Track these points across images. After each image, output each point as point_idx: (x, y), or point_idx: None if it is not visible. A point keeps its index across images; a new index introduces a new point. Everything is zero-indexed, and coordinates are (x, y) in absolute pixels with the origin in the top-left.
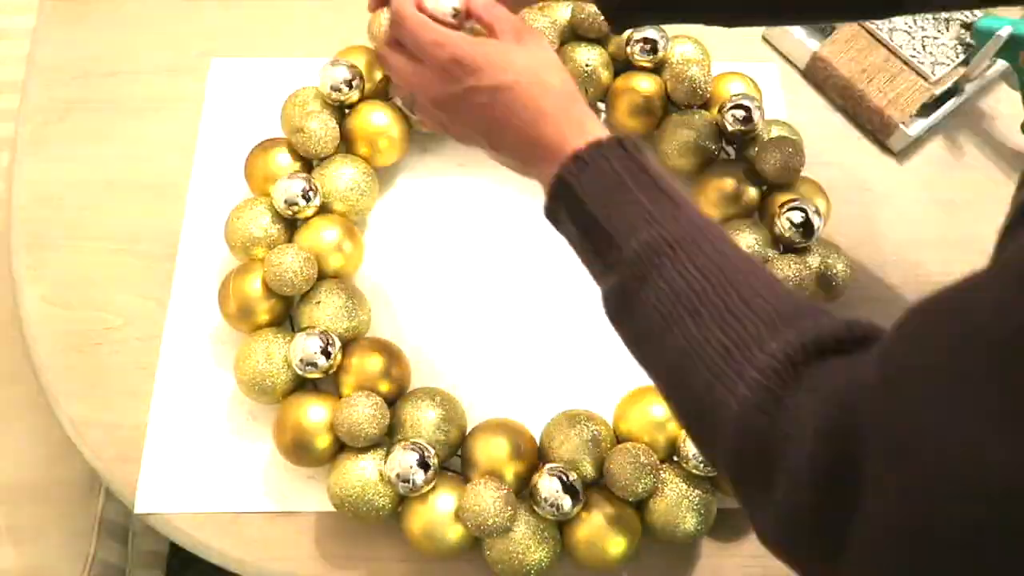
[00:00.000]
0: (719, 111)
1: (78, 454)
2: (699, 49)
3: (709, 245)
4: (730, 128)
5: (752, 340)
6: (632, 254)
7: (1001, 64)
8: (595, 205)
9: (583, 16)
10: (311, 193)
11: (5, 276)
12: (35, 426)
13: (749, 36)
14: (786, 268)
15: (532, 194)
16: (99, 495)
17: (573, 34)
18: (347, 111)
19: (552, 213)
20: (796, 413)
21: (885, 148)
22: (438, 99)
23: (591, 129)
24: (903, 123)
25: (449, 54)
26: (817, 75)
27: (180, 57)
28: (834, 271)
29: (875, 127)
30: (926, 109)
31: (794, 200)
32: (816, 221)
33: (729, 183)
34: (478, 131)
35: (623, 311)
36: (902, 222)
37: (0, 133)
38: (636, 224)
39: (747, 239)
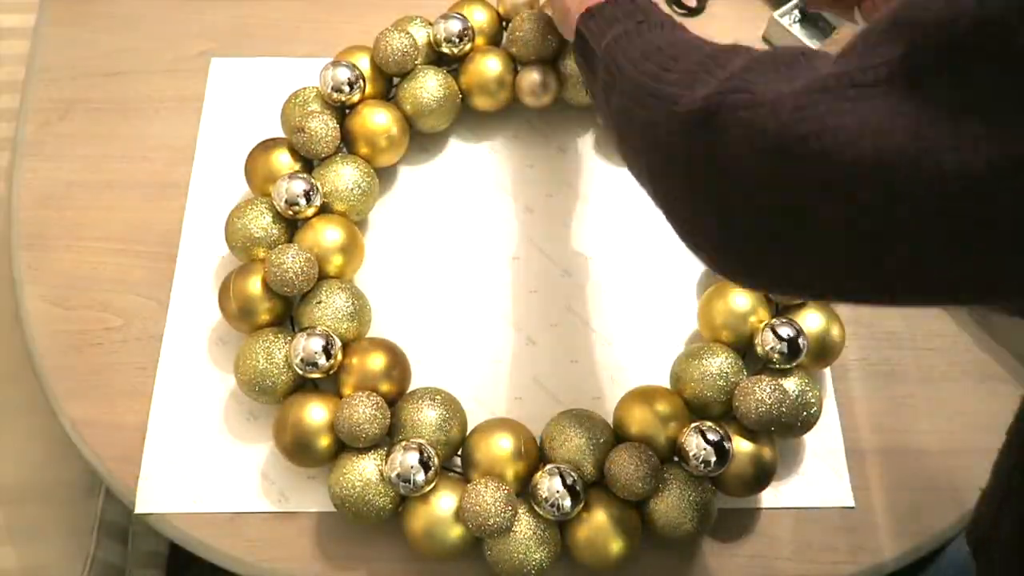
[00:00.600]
0: None
1: (78, 454)
2: None
3: (661, 29)
4: None
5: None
6: (603, 53)
7: None
8: (594, 40)
9: None
10: (312, 193)
11: (5, 276)
12: (35, 426)
13: (749, 37)
14: None
15: (532, 195)
16: (99, 495)
17: None
18: (347, 111)
19: (576, 58)
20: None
21: None
22: None
23: None
24: None
25: None
26: None
27: (180, 57)
28: None
29: None
30: None
31: None
32: None
33: None
34: None
35: (603, 106)
36: None
37: (0, 133)
38: (608, 29)
39: None
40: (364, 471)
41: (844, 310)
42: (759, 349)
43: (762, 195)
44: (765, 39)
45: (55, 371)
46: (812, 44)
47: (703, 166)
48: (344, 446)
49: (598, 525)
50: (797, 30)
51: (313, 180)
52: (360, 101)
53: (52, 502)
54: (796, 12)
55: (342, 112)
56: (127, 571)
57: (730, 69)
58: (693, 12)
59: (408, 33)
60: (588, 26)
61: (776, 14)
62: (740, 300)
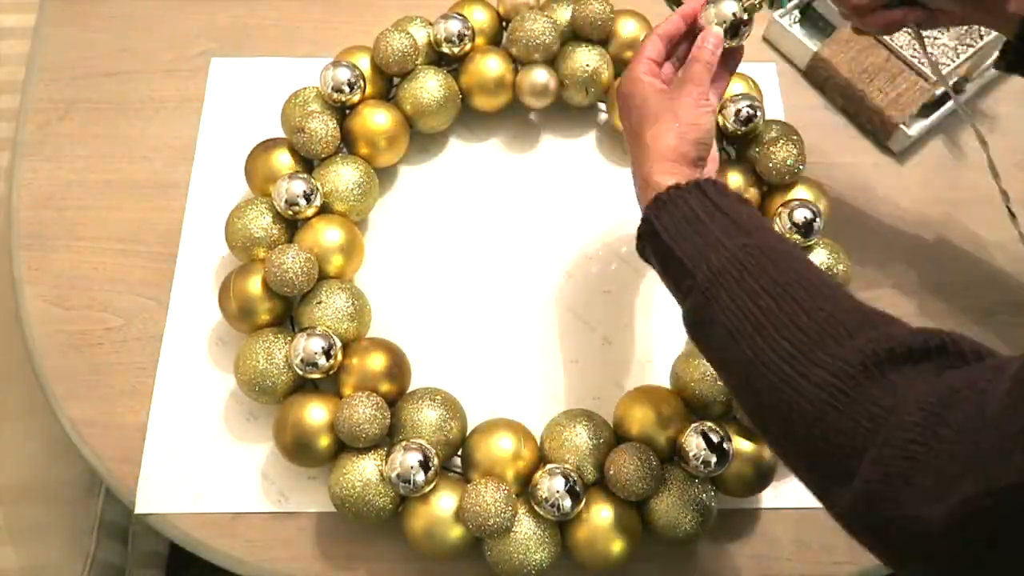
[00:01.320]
0: (719, 111)
1: (78, 454)
2: None
3: (776, 266)
4: (730, 128)
5: (816, 347)
6: (703, 278)
7: None
8: (671, 239)
9: (583, 16)
10: (312, 193)
11: (5, 276)
12: (35, 426)
13: (748, 36)
14: None
15: (532, 195)
16: (99, 495)
17: (573, 34)
18: (347, 111)
19: (640, 250)
20: (877, 406)
21: (885, 148)
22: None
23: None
24: (903, 123)
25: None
26: (818, 75)
27: (180, 57)
28: (835, 271)
29: (875, 127)
30: (926, 109)
31: (794, 200)
32: (816, 221)
33: (730, 183)
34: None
35: (698, 330)
36: (902, 222)
37: (0, 133)
38: (706, 252)
39: None
40: (364, 471)
41: None
42: None
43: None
44: (765, 39)
45: (55, 371)
46: (812, 45)
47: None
48: (344, 446)
49: (598, 525)
50: (797, 30)
51: (313, 180)
52: (360, 101)
53: (52, 502)
54: (796, 12)
55: (342, 112)
56: (127, 571)
57: (881, 442)
58: None
59: (408, 33)
60: (661, 221)
61: (776, 14)
62: None
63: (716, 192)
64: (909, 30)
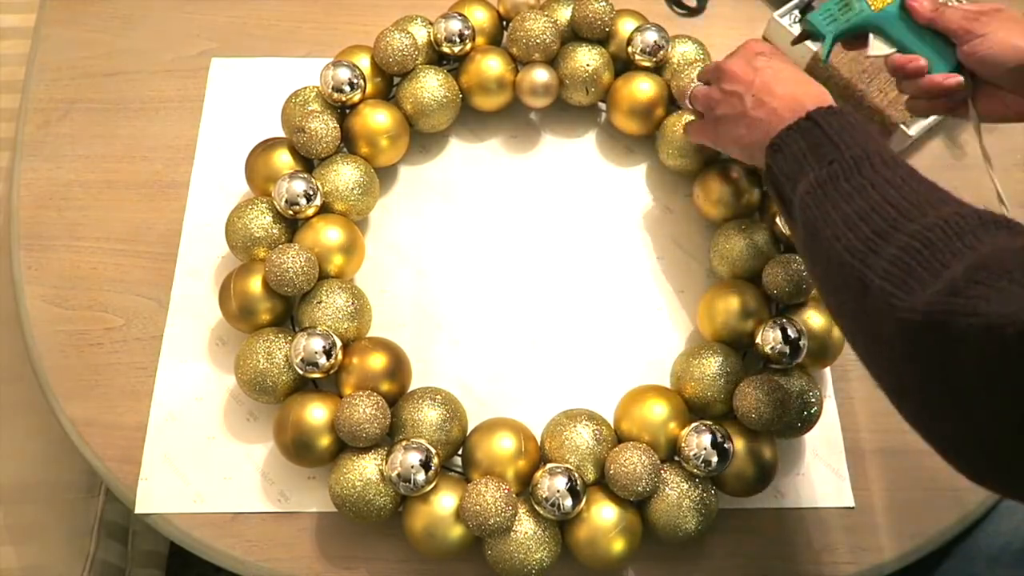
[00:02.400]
0: None
1: (78, 454)
2: (700, 49)
3: (856, 174)
4: None
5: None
6: (797, 204)
7: None
8: (835, 133)
9: (584, 16)
10: (312, 193)
11: (5, 276)
12: (35, 426)
13: (749, 36)
14: (786, 266)
15: (532, 195)
16: (99, 495)
17: (574, 34)
18: (348, 111)
19: (782, 138)
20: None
21: None
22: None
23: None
24: (903, 123)
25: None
26: (817, 75)
27: (180, 57)
28: None
29: (875, 127)
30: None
31: None
32: None
33: (730, 183)
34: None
35: (805, 262)
36: None
37: (0, 133)
38: (800, 177)
39: (748, 238)
40: (364, 471)
41: None
42: (760, 349)
43: (1007, 402)
44: (765, 39)
45: (55, 371)
46: (812, 45)
47: (935, 375)
48: (344, 446)
49: (598, 525)
50: (797, 30)
51: (313, 180)
52: (360, 101)
53: (52, 502)
54: (796, 12)
55: (342, 112)
56: (127, 571)
57: (952, 273)
58: (693, 12)
59: (408, 33)
60: (777, 164)
61: (776, 14)
62: (740, 300)
63: (832, 115)
64: (970, 120)
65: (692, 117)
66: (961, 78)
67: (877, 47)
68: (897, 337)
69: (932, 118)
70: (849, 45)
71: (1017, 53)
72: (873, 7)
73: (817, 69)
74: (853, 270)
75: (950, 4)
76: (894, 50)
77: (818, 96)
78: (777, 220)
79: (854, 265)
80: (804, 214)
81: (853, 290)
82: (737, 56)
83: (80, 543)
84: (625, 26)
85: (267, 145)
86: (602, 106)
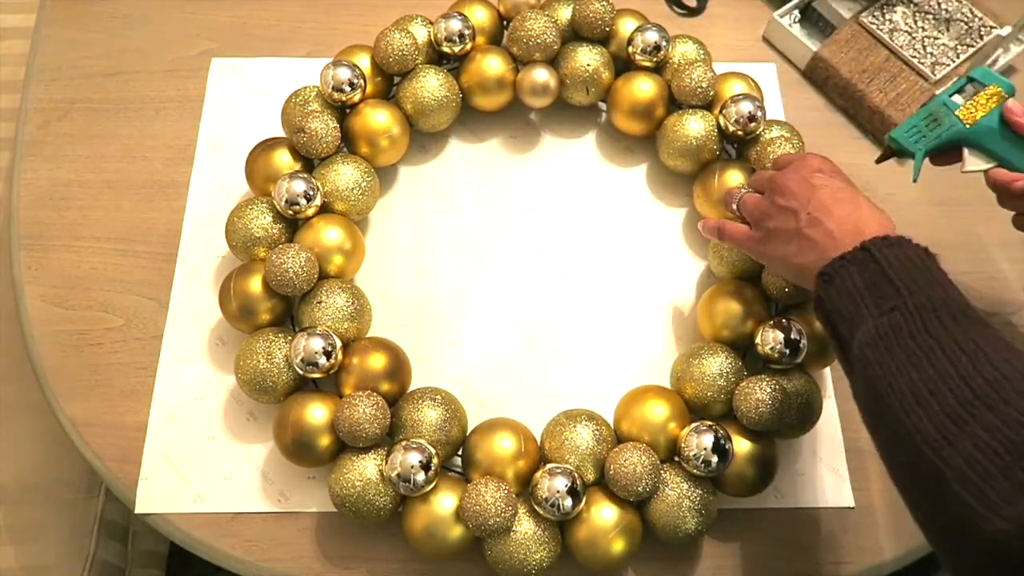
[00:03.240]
0: (720, 111)
1: (78, 454)
2: (700, 49)
3: (923, 333)
4: (731, 129)
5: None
6: (855, 350)
7: (1004, 63)
8: (892, 270)
9: (584, 16)
10: (312, 193)
11: (5, 276)
12: (35, 426)
13: (749, 37)
14: None
15: (532, 194)
16: (99, 495)
17: (574, 34)
18: (348, 111)
19: (836, 269)
20: None
21: None
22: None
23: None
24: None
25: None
26: (817, 75)
27: (180, 57)
28: None
29: (875, 127)
30: None
31: None
32: None
33: (730, 183)
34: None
35: (860, 407)
36: (902, 222)
37: (0, 133)
38: (857, 319)
39: None
40: (364, 471)
41: None
42: (759, 349)
43: None
44: (765, 39)
45: (55, 371)
46: (812, 45)
47: None
48: (344, 446)
49: (598, 525)
50: (797, 30)
51: (313, 180)
52: (361, 100)
53: (52, 502)
54: (796, 12)
55: (343, 112)
56: (127, 571)
57: None
58: (693, 12)
59: (409, 32)
60: (830, 297)
61: (776, 14)
62: (740, 300)
63: (931, 255)
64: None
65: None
66: None
67: (973, 162)
68: (978, 550)
69: None
70: (939, 161)
71: None
72: (966, 121)
73: (818, 68)
74: (925, 459)
75: None
76: (993, 164)
77: (880, 222)
78: None
79: (926, 454)
80: (865, 371)
81: (926, 480)
82: (794, 169)
83: (80, 543)
84: (625, 26)
85: (267, 145)
86: (602, 106)
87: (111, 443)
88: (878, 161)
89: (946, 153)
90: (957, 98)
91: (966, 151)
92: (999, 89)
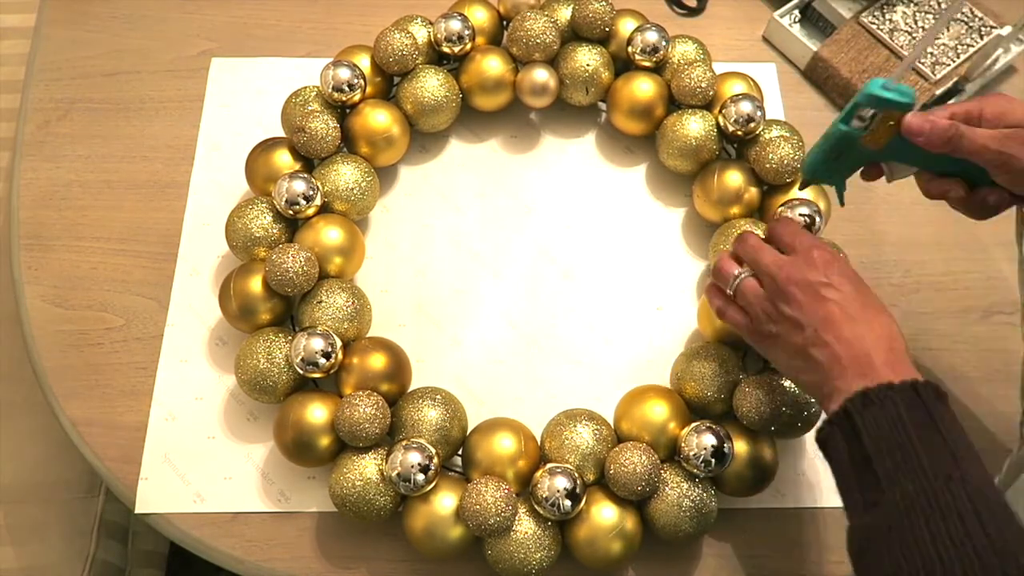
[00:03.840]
0: (719, 111)
1: (78, 454)
2: (700, 49)
3: (972, 518)
4: (731, 128)
5: None
6: (891, 501)
7: (1004, 63)
8: (872, 443)
9: (584, 16)
10: (312, 193)
11: (5, 276)
12: (35, 426)
13: (749, 36)
14: None
15: (532, 194)
16: (99, 495)
17: (574, 34)
18: (348, 111)
19: (826, 437)
20: None
21: None
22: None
23: (888, 366)
24: None
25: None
26: (817, 75)
27: (180, 57)
28: None
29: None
30: (927, 109)
31: (794, 199)
32: (816, 220)
33: (730, 183)
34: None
35: (866, 552)
36: (902, 223)
37: (0, 133)
38: (905, 473)
39: None
40: (364, 470)
41: None
42: None
43: None
44: (765, 39)
45: (55, 371)
46: (812, 44)
47: None
48: (344, 446)
49: (598, 525)
50: (797, 30)
51: (313, 180)
52: (361, 100)
53: (52, 502)
54: (796, 12)
55: (343, 112)
56: (127, 571)
57: None
58: (693, 12)
59: (409, 32)
60: (836, 448)
61: (776, 14)
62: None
63: (932, 399)
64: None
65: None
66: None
67: (897, 172)
68: None
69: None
70: (866, 175)
71: None
72: (873, 147)
73: (818, 68)
74: None
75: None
76: (915, 168)
77: (888, 346)
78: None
79: None
80: (900, 518)
81: None
82: (799, 270)
83: (80, 543)
84: (625, 26)
85: (267, 145)
86: (602, 106)
87: (111, 443)
88: (800, 188)
89: (870, 169)
90: (856, 123)
91: (884, 166)
92: (896, 114)
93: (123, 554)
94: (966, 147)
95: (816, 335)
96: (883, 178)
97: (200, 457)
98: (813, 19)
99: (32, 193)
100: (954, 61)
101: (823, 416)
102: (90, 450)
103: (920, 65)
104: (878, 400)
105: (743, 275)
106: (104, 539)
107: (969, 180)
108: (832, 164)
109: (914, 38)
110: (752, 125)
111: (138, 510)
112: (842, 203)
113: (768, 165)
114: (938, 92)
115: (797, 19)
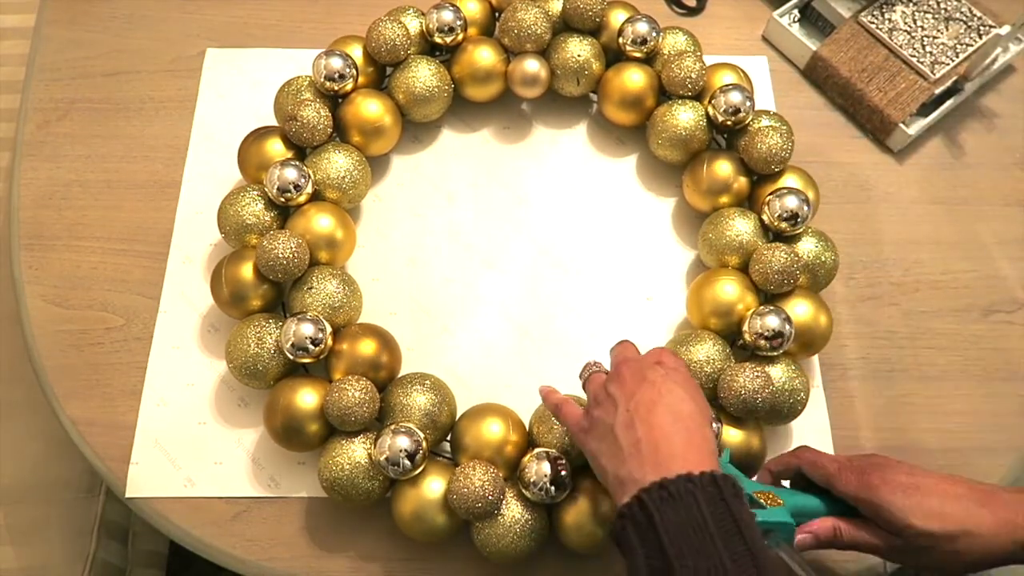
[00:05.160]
0: (709, 102)
1: (78, 454)
2: (691, 41)
3: None
4: (720, 119)
5: None
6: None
7: (1003, 63)
8: (668, 537)
9: (575, 7)
10: (304, 181)
11: (5, 276)
12: (35, 426)
13: (748, 36)
14: (775, 256)
15: (523, 185)
16: (99, 495)
17: (565, 25)
18: (340, 100)
19: (619, 531)
20: None
21: (885, 147)
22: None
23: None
24: (902, 122)
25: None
26: (817, 74)
27: (180, 57)
28: (823, 260)
29: (875, 126)
30: (925, 108)
31: (782, 188)
32: (803, 209)
33: (719, 173)
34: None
35: None
36: (902, 222)
37: (0, 133)
38: (700, 566)
39: (736, 228)
40: (353, 455)
41: (845, 310)
42: (746, 336)
43: None
44: (764, 38)
45: (55, 371)
46: (811, 44)
47: None
48: (334, 431)
49: (586, 509)
50: (796, 29)
51: (305, 168)
52: (353, 90)
53: (52, 502)
54: (795, 11)
55: (335, 101)
56: (127, 571)
57: None
58: (693, 12)
59: (401, 23)
60: (663, 515)
61: (775, 13)
62: (728, 288)
63: (731, 493)
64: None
65: None
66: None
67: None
68: None
69: (931, 116)
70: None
71: (944, 522)
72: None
73: (817, 67)
74: None
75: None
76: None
77: (699, 443)
78: (765, 209)
79: None
80: None
81: None
82: (639, 359)
83: (80, 543)
84: (616, 17)
85: (260, 133)
86: (593, 97)
87: (111, 442)
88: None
89: None
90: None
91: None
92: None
93: (123, 554)
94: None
95: (627, 416)
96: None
97: (191, 442)
98: (812, 19)
99: (32, 193)
100: (953, 60)
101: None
102: (90, 450)
103: (919, 64)
104: (679, 494)
105: (597, 369)
106: (104, 539)
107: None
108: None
109: (913, 37)
110: (741, 115)
111: (128, 494)
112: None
113: (757, 155)
114: (937, 91)
115: (796, 19)
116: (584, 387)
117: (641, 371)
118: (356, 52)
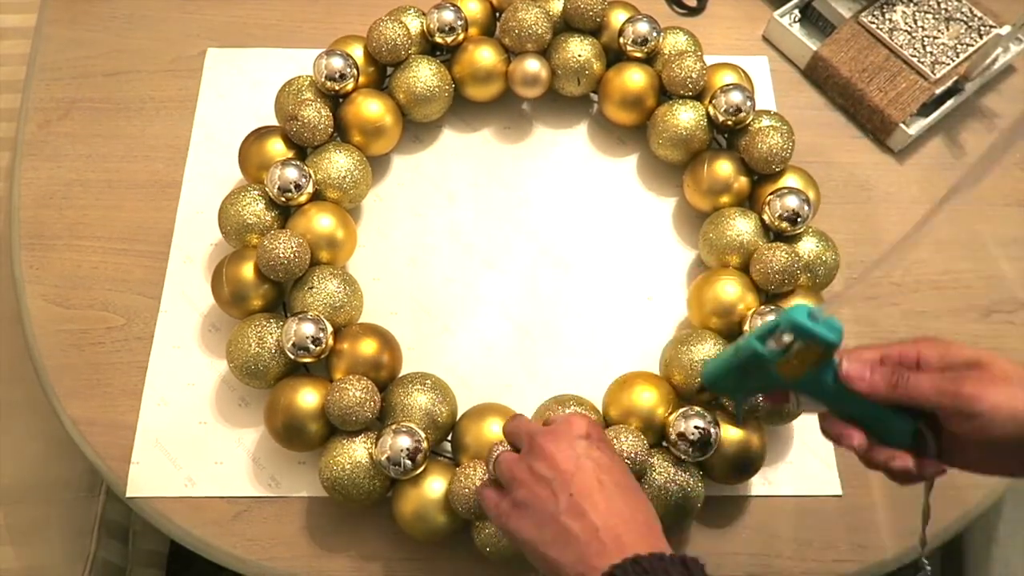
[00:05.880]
0: (710, 101)
1: (78, 454)
2: (691, 41)
3: None
4: (721, 119)
5: None
6: None
7: (1004, 63)
8: None
9: (576, 7)
10: (304, 181)
11: (5, 276)
12: (35, 426)
13: (749, 36)
14: (776, 256)
15: (524, 185)
16: (99, 495)
17: (566, 25)
18: (341, 100)
19: None
20: None
21: (885, 147)
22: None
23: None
24: (903, 122)
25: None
26: (817, 74)
27: (180, 57)
28: (823, 260)
29: (875, 126)
30: (926, 108)
31: (783, 188)
32: (804, 209)
33: (720, 172)
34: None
35: None
36: (902, 222)
37: (0, 133)
38: None
39: (736, 228)
40: (354, 454)
41: (846, 309)
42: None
43: None
44: (765, 38)
45: (56, 370)
46: (811, 44)
47: None
48: (335, 430)
49: None
50: (797, 30)
51: (306, 168)
52: (354, 90)
53: (52, 502)
54: (796, 11)
55: (336, 101)
56: (128, 571)
57: None
58: (693, 12)
59: (402, 23)
60: None
61: (776, 13)
62: (729, 288)
63: (699, 573)
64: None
65: None
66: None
67: (805, 405)
68: None
69: (932, 116)
70: (772, 398)
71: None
72: (786, 377)
73: (818, 67)
74: None
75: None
76: (823, 407)
77: (648, 524)
78: (765, 209)
79: None
80: None
81: None
82: (555, 433)
83: (81, 543)
84: (617, 17)
85: (260, 133)
86: (594, 97)
87: (112, 442)
88: (698, 392)
89: (774, 394)
90: (772, 345)
91: (793, 395)
92: (819, 349)
93: (124, 554)
94: (912, 393)
95: (571, 502)
96: (819, 313)
97: (191, 442)
98: (813, 19)
99: (33, 193)
100: (953, 60)
101: None
102: (91, 449)
103: (920, 64)
104: (652, 570)
105: (503, 448)
106: (105, 539)
107: (877, 434)
108: (737, 379)
109: (914, 37)
110: (742, 115)
111: (129, 494)
112: (739, 422)
113: (757, 155)
114: (938, 91)
115: (797, 19)
116: (493, 469)
117: (568, 446)
118: (357, 52)
